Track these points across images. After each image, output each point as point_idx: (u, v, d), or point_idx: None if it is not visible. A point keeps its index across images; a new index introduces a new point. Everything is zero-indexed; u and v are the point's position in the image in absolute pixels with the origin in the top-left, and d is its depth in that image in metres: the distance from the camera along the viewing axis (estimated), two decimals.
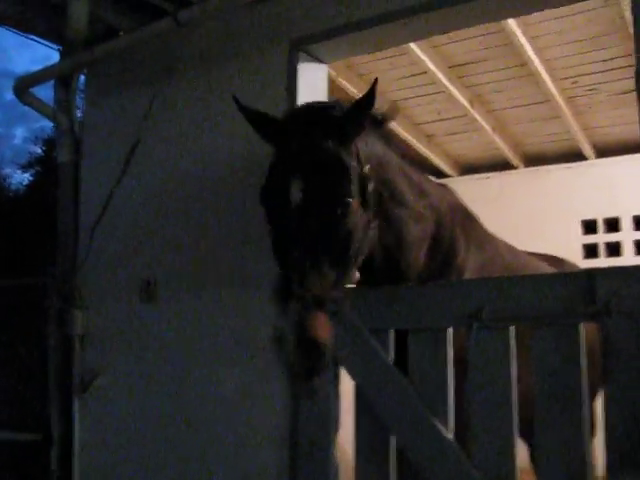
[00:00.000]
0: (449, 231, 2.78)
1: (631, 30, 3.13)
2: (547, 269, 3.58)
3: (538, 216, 5.98)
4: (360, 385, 2.64)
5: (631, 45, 3.08)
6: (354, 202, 2.16)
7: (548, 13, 3.66)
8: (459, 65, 4.65)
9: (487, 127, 5.44)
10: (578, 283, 2.26)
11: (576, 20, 3.99)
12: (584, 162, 5.98)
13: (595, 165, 5.97)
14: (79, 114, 4.27)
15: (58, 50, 4.25)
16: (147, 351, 3.58)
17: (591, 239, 5.96)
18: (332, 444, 2.69)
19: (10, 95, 4.26)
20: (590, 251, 5.94)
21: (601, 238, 5.92)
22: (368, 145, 2.39)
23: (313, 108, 2.42)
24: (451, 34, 4.00)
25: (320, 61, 3.39)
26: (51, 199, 4.26)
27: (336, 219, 2.12)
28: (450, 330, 2.49)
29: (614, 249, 5.87)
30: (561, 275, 2.97)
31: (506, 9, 3.09)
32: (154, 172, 3.72)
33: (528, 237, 4.87)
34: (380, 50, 3.81)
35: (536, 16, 3.71)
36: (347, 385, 2.71)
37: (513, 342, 2.36)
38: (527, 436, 2.55)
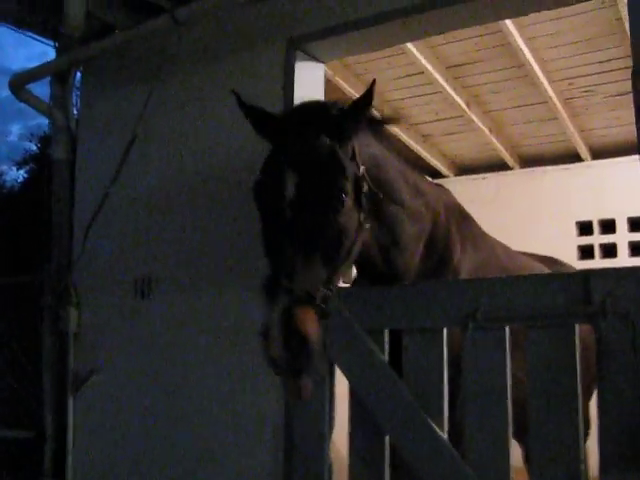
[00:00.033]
0: (445, 231, 2.78)
1: (628, 32, 3.14)
2: (542, 270, 3.58)
3: (534, 217, 6.01)
4: (354, 385, 2.63)
5: (627, 47, 3.10)
6: (347, 201, 2.15)
7: (545, 14, 3.66)
8: (456, 66, 4.66)
9: (484, 128, 5.45)
10: (573, 284, 2.26)
11: (573, 21, 4.00)
12: (580, 163, 6.01)
13: (591, 167, 5.99)
14: (75, 111, 4.26)
15: (54, 47, 4.24)
16: (141, 349, 3.57)
17: (586, 240, 5.98)
18: (326, 444, 2.69)
19: (6, 92, 4.25)
20: (585, 252, 5.97)
21: (596, 239, 5.95)
22: (365, 145, 2.39)
23: (311, 106, 2.42)
24: (448, 35, 4.01)
25: (317, 60, 3.39)
26: (46, 196, 4.23)
27: (328, 217, 2.11)
28: (445, 330, 2.49)
29: (609, 250, 5.90)
30: (556, 276, 2.97)
31: (503, 10, 3.09)
32: (150, 169, 3.72)
33: (524, 238, 4.89)
34: (377, 50, 3.81)
35: (533, 17, 3.72)
36: (342, 386, 2.71)
37: (508, 342, 2.36)
38: (521, 436, 2.55)
